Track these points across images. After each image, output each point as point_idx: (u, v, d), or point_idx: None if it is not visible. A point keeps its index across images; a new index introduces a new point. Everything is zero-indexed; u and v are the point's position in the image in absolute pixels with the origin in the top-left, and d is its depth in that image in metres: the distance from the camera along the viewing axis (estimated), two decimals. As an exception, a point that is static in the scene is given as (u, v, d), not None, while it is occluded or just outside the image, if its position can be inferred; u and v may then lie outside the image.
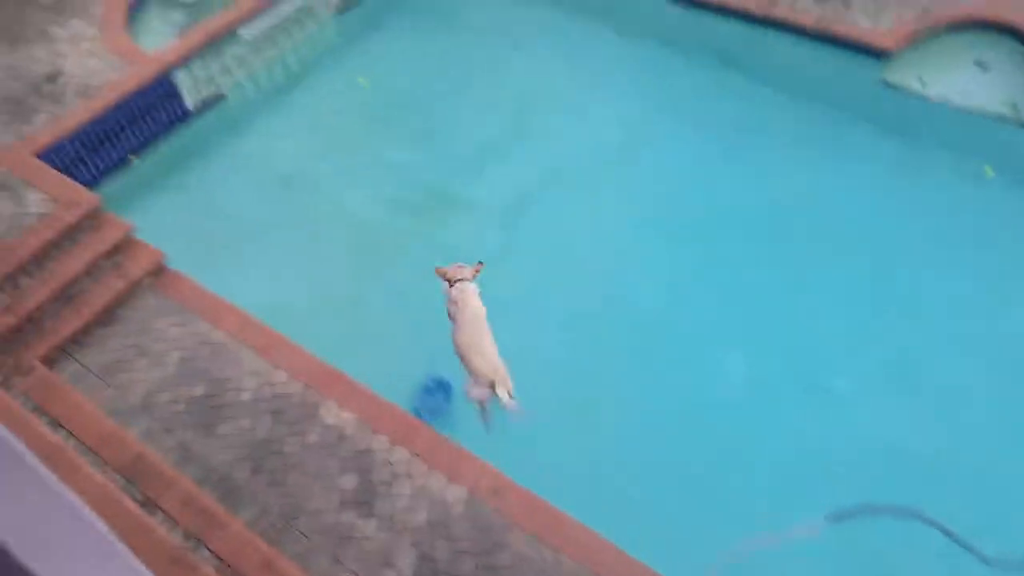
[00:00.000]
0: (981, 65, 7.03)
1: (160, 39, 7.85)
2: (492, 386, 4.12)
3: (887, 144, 6.79)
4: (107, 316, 5.68)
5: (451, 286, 4.46)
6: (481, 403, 4.27)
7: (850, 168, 6.62)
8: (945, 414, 5.15)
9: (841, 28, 7.28)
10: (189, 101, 7.49)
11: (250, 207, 6.85)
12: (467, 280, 4.46)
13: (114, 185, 6.96)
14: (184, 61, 7.33)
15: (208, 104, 7.63)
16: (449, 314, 4.43)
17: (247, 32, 7.74)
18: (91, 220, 5.94)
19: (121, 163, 7.08)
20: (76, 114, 6.70)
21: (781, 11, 7.53)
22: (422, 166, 7.03)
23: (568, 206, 6.57)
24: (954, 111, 6.80)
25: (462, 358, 4.26)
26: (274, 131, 7.53)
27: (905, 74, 7.10)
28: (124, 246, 5.96)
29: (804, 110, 7.13)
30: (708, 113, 7.22)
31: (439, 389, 5.45)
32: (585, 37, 8.09)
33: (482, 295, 4.41)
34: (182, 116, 7.48)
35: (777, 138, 6.93)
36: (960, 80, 6.96)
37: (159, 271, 5.94)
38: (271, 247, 6.53)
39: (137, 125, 7.14)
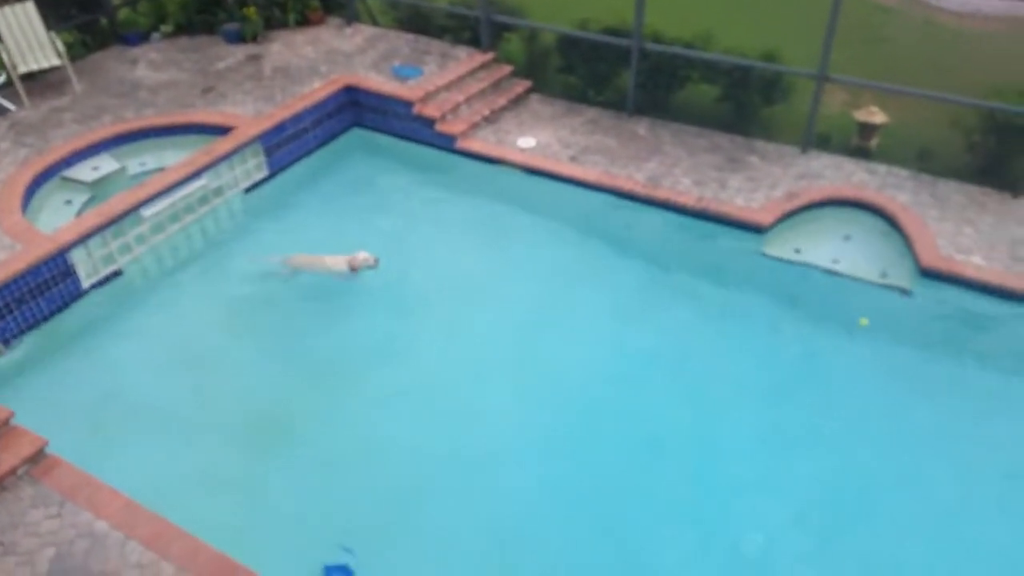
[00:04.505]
0: (848, 237, 7.75)
1: (58, 219, 7.75)
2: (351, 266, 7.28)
3: (771, 306, 7.26)
4: (-28, 511, 5.15)
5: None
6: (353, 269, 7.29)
7: (735, 328, 7.04)
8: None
9: (719, 206, 7.95)
10: (84, 280, 7.31)
11: (143, 388, 6.55)
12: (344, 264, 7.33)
13: (-5, 368, 6.58)
14: (81, 240, 7.22)
15: (104, 281, 7.46)
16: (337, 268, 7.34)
17: (150, 211, 7.76)
18: (-37, 406, 5.53)
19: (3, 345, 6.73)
20: (-42, 294, 6.41)
21: (664, 192, 8.20)
22: (329, 347, 6.95)
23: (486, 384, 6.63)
24: (828, 276, 7.39)
25: (328, 268, 7.37)
26: (172, 310, 7.36)
27: (782, 246, 7.73)
28: (1, 434, 5.53)
29: (691, 280, 7.60)
30: (608, 285, 7.58)
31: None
32: (496, 224, 8.47)
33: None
34: (76, 294, 7.26)
35: (669, 307, 7.31)
36: (831, 250, 7.62)
37: (38, 458, 5.50)
38: (165, 428, 6.19)
39: (26, 304, 6.86)
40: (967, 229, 7.59)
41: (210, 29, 10.91)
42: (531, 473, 5.86)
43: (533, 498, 5.70)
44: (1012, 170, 8.07)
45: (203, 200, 8.34)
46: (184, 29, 11.00)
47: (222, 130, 8.83)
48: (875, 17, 12.13)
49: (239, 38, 10.69)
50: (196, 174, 8.19)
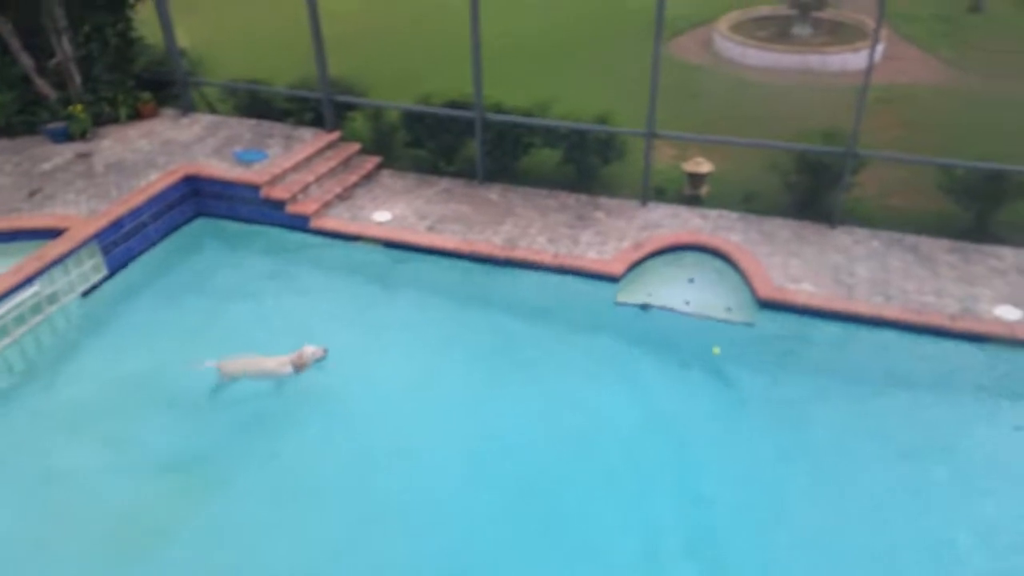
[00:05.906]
0: (692, 279, 8.26)
1: None
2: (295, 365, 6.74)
3: (630, 350, 7.56)
4: None
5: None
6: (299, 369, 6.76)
7: (599, 374, 7.27)
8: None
9: (575, 261, 8.29)
10: (-100, 409, 6.58)
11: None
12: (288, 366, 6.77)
13: None
14: None
15: (-75, 410, 6.74)
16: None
17: (-25, 326, 7.14)
18: None
19: None
20: None
21: (521, 252, 8.46)
22: (184, 450, 6.56)
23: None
24: (680, 317, 7.82)
25: (270, 372, 6.78)
26: (5, 432, 6.71)
27: (635, 293, 8.12)
28: None
29: (557, 333, 7.81)
30: (476, 348, 7.66)
31: None
32: (359, 300, 8.42)
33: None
34: None
35: (537, 362, 7.45)
36: (680, 293, 8.09)
37: None
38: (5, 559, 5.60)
39: None
40: (794, 260, 8.29)
41: (32, 130, 10.34)
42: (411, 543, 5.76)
43: None
44: (825, 204, 8.95)
45: (36, 309, 7.76)
46: (2, 131, 10.36)
47: (53, 233, 8.31)
48: (688, 75, 13.27)
49: (66, 137, 10.18)
50: (26, 282, 7.63)
